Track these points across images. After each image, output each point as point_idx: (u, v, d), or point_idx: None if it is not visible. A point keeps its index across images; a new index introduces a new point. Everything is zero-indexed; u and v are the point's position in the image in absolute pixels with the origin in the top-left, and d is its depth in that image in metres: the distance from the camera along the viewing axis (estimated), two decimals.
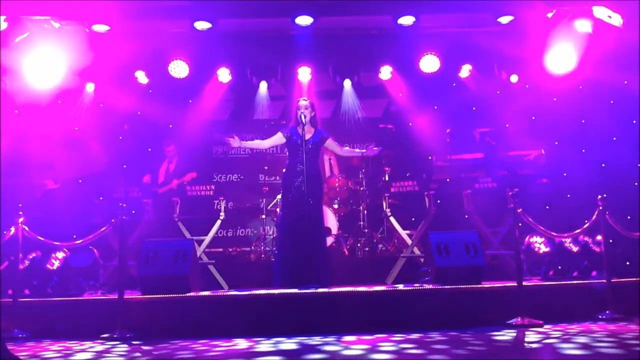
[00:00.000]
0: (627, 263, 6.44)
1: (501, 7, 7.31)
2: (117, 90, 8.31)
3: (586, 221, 5.52)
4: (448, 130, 7.84)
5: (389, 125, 8.81)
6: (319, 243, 6.04)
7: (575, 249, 6.10)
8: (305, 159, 5.93)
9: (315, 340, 4.44)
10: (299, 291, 5.39)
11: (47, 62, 7.25)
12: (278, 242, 6.31)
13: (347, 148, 6.47)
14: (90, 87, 8.31)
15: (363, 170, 8.31)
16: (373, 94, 9.50)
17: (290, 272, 5.89)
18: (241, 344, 4.39)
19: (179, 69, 7.98)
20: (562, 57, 7.55)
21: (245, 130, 9.69)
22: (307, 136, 6.09)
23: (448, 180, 7.54)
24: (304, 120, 6.08)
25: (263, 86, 9.02)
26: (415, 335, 4.45)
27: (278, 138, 6.22)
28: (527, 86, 8.36)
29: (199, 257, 6.75)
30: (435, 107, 9.15)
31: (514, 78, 8.20)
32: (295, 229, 5.95)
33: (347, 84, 9.00)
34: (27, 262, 5.83)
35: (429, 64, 8.10)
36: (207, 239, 7.22)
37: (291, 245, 5.97)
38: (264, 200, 8.33)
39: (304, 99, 6.33)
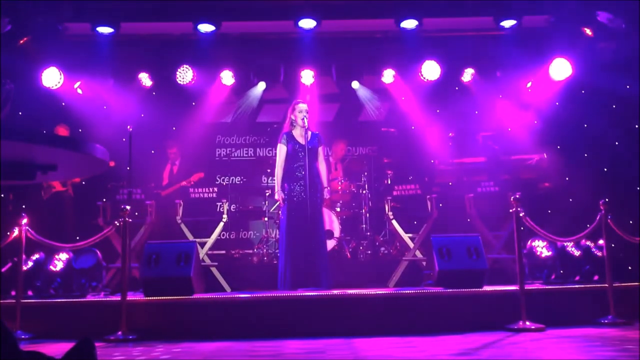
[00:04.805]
0: (629, 267, 6.44)
1: (504, 11, 7.34)
2: (121, 92, 8.34)
3: (588, 225, 5.52)
4: (450, 134, 7.85)
5: (391, 128, 8.82)
6: (320, 246, 6.06)
7: (577, 253, 6.10)
8: (306, 163, 5.95)
9: (320, 342, 4.44)
10: (302, 294, 5.41)
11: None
12: (281, 246, 6.33)
13: (323, 166, 6.36)
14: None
15: (365, 174, 8.33)
16: (375, 97, 9.52)
17: (293, 275, 5.92)
18: (244, 346, 4.39)
19: (184, 74, 8.03)
20: (563, 62, 7.57)
21: (248, 132, 9.75)
22: (307, 140, 6.11)
23: (450, 183, 7.56)
24: (306, 124, 6.11)
25: (260, 87, 9.03)
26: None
27: (283, 151, 6.23)
28: (529, 90, 8.37)
29: (201, 259, 6.76)
30: (438, 111, 9.16)
31: (519, 82, 8.21)
32: (297, 233, 5.98)
33: (356, 84, 9.01)
34: (30, 263, 5.84)
35: (432, 67, 8.11)
36: (210, 241, 7.24)
37: (293, 248, 5.99)
38: (267, 202, 8.34)
39: (304, 103, 6.33)
